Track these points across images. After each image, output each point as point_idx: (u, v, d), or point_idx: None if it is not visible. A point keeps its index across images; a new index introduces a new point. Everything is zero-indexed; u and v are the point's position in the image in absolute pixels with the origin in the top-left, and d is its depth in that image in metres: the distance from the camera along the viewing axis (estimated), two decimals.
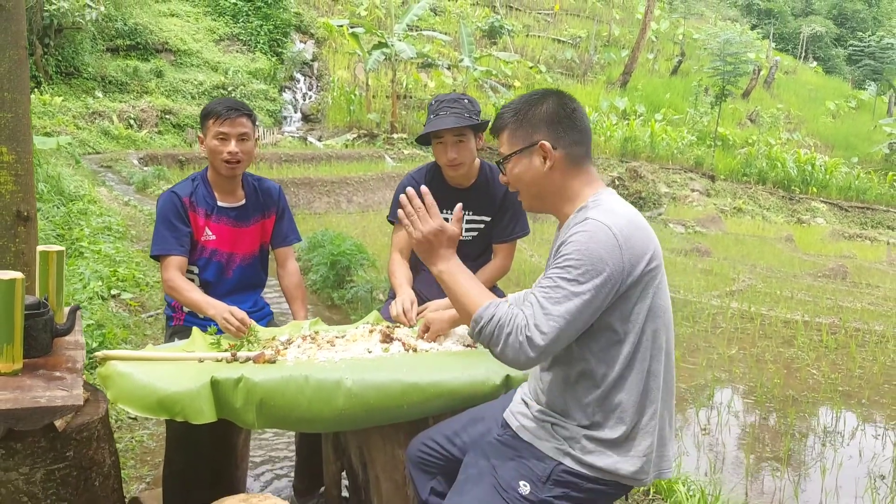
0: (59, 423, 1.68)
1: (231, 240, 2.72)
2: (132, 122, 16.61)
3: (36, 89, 16.07)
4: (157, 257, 2.62)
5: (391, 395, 1.88)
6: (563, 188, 1.75)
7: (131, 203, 9.68)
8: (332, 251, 5.59)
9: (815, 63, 42.90)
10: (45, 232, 6.11)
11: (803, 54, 43.35)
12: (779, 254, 13.60)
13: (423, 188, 1.74)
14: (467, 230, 2.95)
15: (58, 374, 1.69)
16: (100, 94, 17.27)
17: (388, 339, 2.16)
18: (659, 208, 17.31)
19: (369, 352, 2.08)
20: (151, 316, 4.62)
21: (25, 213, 3.46)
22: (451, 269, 1.72)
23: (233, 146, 2.59)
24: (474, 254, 2.99)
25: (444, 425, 1.92)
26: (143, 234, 7.60)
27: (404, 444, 1.96)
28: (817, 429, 4.37)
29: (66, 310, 1.98)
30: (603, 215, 1.63)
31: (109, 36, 18.87)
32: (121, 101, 17.23)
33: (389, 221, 2.95)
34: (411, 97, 20.79)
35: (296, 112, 20.62)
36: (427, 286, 2.85)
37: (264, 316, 2.82)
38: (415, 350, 2.13)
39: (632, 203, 14.06)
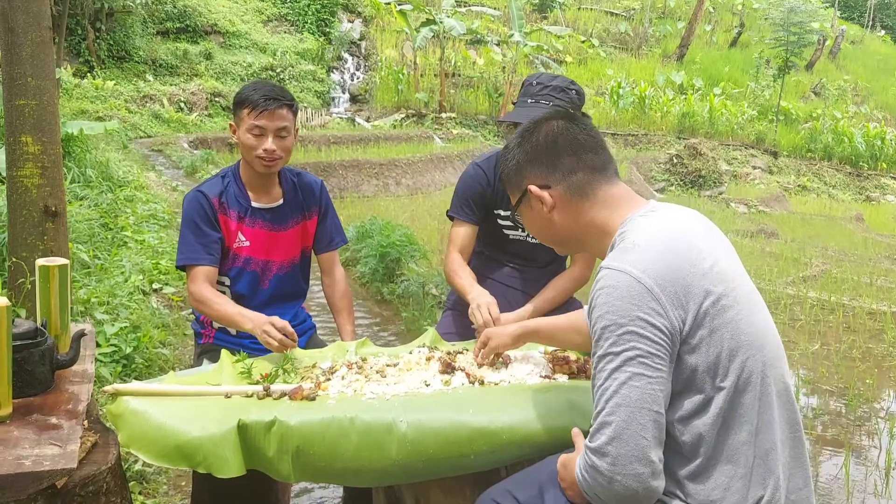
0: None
1: (267, 245, 2.39)
2: (182, 105, 16.58)
3: (89, 73, 16.19)
4: (183, 267, 2.31)
5: (455, 442, 1.54)
6: (584, 226, 1.47)
7: (179, 189, 9.55)
8: (381, 242, 5.25)
9: (882, 32, 40.84)
10: (90, 222, 5.96)
11: (870, 23, 41.29)
12: (850, 235, 12.85)
13: None
14: None
15: (54, 420, 1.40)
16: (150, 78, 17.29)
17: (448, 368, 1.81)
18: (720, 187, 16.61)
19: (427, 385, 1.74)
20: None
21: (54, 209, 3.23)
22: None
23: (269, 143, 2.24)
24: (545, 260, 2.61)
25: (518, 480, 1.56)
26: None
27: (470, 500, 1.62)
28: None
29: (74, 329, 1.69)
30: (620, 257, 1.31)
31: (159, 19, 18.88)
32: (171, 85, 17.22)
33: (449, 217, 2.57)
34: (460, 75, 20.34)
35: (343, 93, 20.38)
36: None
37: (306, 330, 2.50)
38: (481, 382, 1.78)
39: (691, 182, 13.20)
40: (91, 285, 4.20)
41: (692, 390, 1.29)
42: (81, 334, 1.59)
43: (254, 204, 2.37)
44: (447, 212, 2.56)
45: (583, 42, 24.47)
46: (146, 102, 16.06)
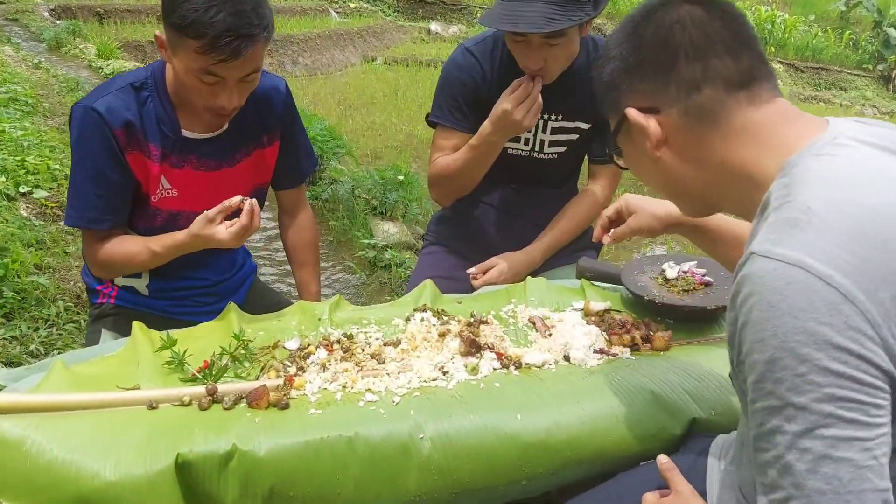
0: None
1: (205, 193, 1.62)
2: None
3: None
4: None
5: (501, 467, 1.08)
6: (714, 171, 0.92)
7: (42, 66, 8.25)
8: None
9: None
10: None
11: None
12: None
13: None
14: (552, 144, 1.94)
15: None
16: None
17: (474, 347, 1.27)
18: None
19: (444, 372, 1.22)
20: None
21: None
22: None
23: (230, 98, 1.47)
24: (557, 179, 2.05)
25: None
26: (58, 106, 6.36)
27: None
28: None
29: None
30: (785, 237, 0.76)
31: None
32: None
33: (430, 123, 1.92)
34: None
35: None
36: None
37: (246, 277, 1.89)
38: (518, 365, 1.26)
39: None
40: None
41: None
42: None
43: (185, 133, 1.58)
44: (427, 116, 1.90)
45: None
46: None
